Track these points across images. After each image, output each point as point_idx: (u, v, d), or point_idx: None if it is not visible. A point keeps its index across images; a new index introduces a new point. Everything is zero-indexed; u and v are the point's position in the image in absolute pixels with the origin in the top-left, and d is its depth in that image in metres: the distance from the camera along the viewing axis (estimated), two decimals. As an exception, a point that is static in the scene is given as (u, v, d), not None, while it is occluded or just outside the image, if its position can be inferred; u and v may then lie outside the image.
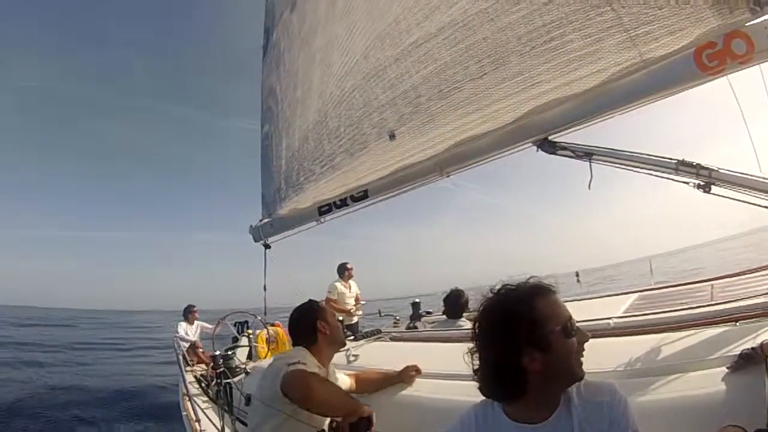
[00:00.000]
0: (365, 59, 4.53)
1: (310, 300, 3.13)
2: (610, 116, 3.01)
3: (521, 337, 1.33)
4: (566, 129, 3.16)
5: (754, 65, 2.51)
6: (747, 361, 1.92)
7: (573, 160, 3.09)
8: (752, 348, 1.94)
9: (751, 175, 2.59)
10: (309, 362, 2.62)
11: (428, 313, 6.62)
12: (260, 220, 6.44)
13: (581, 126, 3.11)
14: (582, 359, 1.37)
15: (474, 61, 3.54)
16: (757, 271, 4.25)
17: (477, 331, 1.46)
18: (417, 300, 6.83)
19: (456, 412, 2.40)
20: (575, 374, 1.37)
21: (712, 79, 2.60)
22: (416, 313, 6.55)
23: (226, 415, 3.54)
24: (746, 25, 2.48)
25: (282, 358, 2.66)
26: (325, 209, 5.36)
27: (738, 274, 4.46)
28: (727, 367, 1.99)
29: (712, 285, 4.26)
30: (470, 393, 2.51)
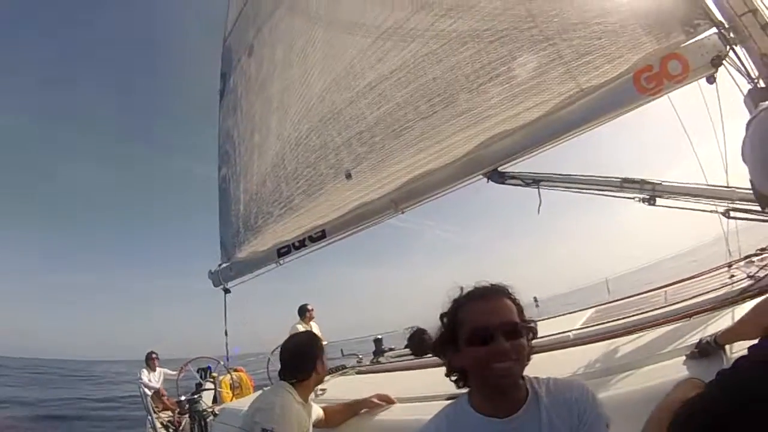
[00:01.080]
0: (321, 102, 4.55)
1: (308, 332, 3.03)
2: (556, 144, 3.07)
3: (447, 335, 1.42)
4: (514, 159, 3.22)
5: (690, 83, 2.61)
6: (703, 351, 1.95)
7: (524, 188, 3.12)
8: (707, 340, 1.95)
9: (693, 184, 2.70)
10: (289, 404, 2.51)
11: (390, 349, 6.46)
12: (219, 265, 6.21)
13: (529, 155, 3.17)
14: (501, 365, 1.31)
15: (425, 100, 3.59)
16: (707, 273, 4.32)
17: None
18: (379, 336, 6.65)
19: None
20: (487, 381, 1.36)
21: (651, 100, 2.70)
22: (379, 349, 6.36)
23: None
24: (681, 46, 2.63)
25: (259, 411, 2.51)
26: (284, 251, 5.21)
27: (689, 279, 4.54)
28: (686, 356, 2.03)
29: (665, 291, 4.33)
30: (434, 411, 2.44)
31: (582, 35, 2.93)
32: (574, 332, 3.37)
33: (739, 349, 1.80)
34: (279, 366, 2.81)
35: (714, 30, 2.57)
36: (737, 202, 2.68)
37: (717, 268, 4.12)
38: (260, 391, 3.03)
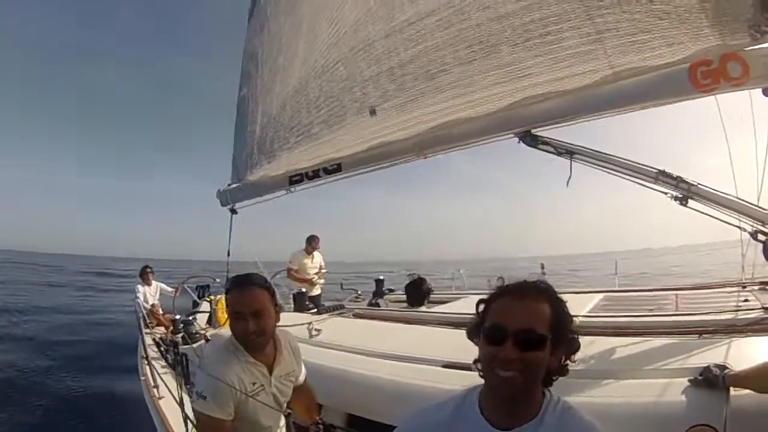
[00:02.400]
0: (354, 32, 4.29)
1: (256, 275, 2.32)
2: (598, 117, 2.92)
3: (478, 323, 1.32)
4: (552, 124, 3.06)
5: (746, 89, 2.47)
6: (708, 382, 1.93)
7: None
8: (716, 372, 1.93)
9: (727, 194, 2.61)
10: (225, 366, 2.07)
11: (390, 290, 6.51)
12: (228, 185, 6.09)
13: (567, 123, 3.01)
14: (504, 373, 1.20)
15: (464, 45, 3.37)
16: (721, 287, 4.29)
17: None
18: (381, 277, 6.68)
19: (412, 395, 2.29)
20: (490, 385, 1.28)
21: (703, 96, 2.55)
22: (379, 290, 6.40)
23: (184, 386, 3.29)
24: (745, 49, 2.44)
25: (204, 365, 2.15)
26: (296, 179, 5.11)
27: (702, 287, 4.51)
28: (690, 380, 2.00)
29: (676, 295, 4.29)
30: (427, 377, 2.39)
31: (644, 10, 2.69)
32: (580, 318, 3.30)
33: (745, 392, 1.79)
34: (278, 290, 2.42)
35: None
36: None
37: (730, 285, 4.11)
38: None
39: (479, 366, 1.29)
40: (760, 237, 2.64)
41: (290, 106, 5.17)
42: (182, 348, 4.51)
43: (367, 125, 4.08)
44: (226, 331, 4.55)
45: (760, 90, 2.44)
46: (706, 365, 2.03)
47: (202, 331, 5.05)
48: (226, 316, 6.19)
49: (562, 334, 1.27)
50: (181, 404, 2.65)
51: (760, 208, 2.64)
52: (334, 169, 4.59)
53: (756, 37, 2.38)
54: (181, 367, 3.52)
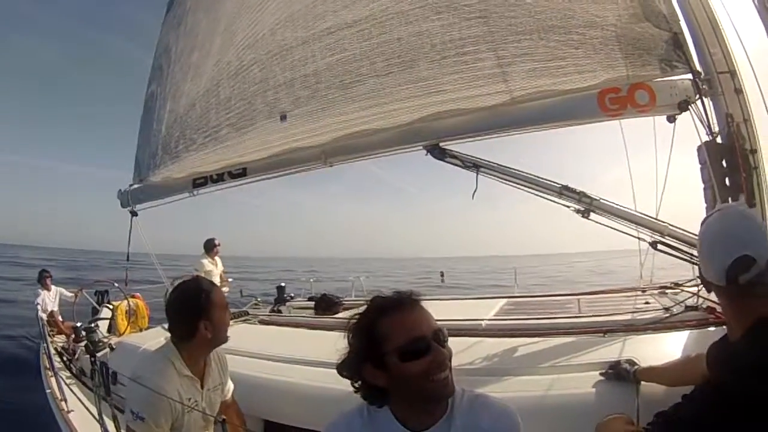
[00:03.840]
0: (272, 35, 4.02)
1: (197, 282, 2.18)
2: (504, 135, 2.99)
3: (364, 353, 1.23)
4: (461, 139, 3.05)
5: (651, 116, 2.68)
6: (618, 375, 1.99)
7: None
8: (625, 366, 1.99)
9: (626, 208, 2.76)
10: (165, 380, 1.90)
11: (291, 297, 6.15)
12: (130, 185, 5.48)
13: (476, 138, 3.03)
14: (442, 375, 1.16)
15: (383, 58, 3.24)
16: (618, 292, 4.45)
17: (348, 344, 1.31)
18: (282, 284, 6.30)
19: (328, 399, 2.21)
20: (432, 395, 1.19)
21: (610, 120, 2.70)
22: (281, 296, 6.03)
23: (104, 402, 2.77)
24: (654, 80, 2.61)
25: (138, 378, 1.91)
26: (200, 182, 4.68)
27: (601, 292, 4.67)
28: (601, 374, 2.06)
29: (578, 299, 4.39)
30: (342, 381, 2.23)
31: (560, 39, 2.78)
32: (486, 322, 3.31)
33: (653, 385, 1.86)
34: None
35: (689, 76, 2.58)
36: (667, 237, 2.72)
37: (630, 289, 4.23)
38: (151, 347, 2.45)
39: (382, 390, 1.22)
40: (660, 247, 2.77)
41: (200, 106, 4.75)
42: (100, 356, 3.98)
43: (276, 130, 3.81)
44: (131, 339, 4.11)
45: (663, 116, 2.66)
46: (614, 360, 2.08)
47: (105, 339, 4.47)
48: (126, 323, 5.57)
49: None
50: (100, 419, 2.43)
51: (657, 220, 2.78)
52: (239, 173, 4.24)
53: (666, 70, 2.57)
54: (101, 377, 3.06)
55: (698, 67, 2.57)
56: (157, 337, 3.31)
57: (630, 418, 1.62)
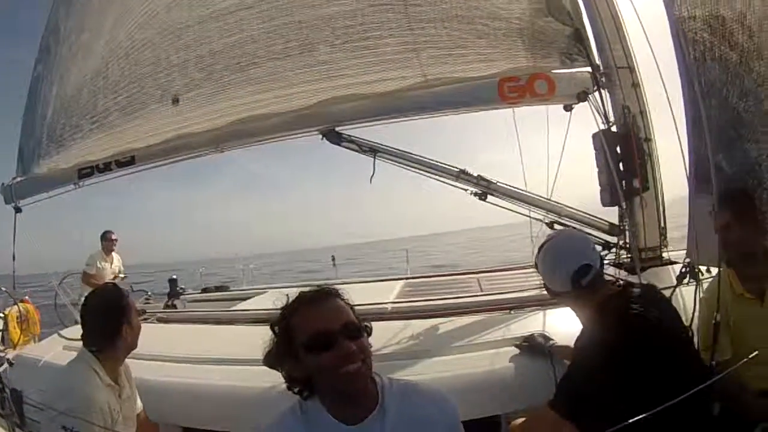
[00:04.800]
0: (167, 13, 3.64)
1: (114, 286, 2.16)
2: (403, 120, 2.90)
3: (282, 346, 1.23)
4: (357, 123, 2.94)
5: (549, 104, 2.77)
6: (533, 348, 2.04)
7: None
8: (538, 339, 2.05)
9: (521, 189, 2.87)
10: (92, 391, 1.79)
11: (183, 289, 5.63)
12: (13, 178, 4.79)
13: (373, 123, 2.93)
14: (351, 368, 1.13)
15: (282, 41, 2.99)
16: (516, 269, 4.47)
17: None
18: (174, 276, 5.71)
19: (247, 399, 2.15)
20: (339, 389, 1.17)
21: (509, 107, 2.79)
22: (174, 290, 5.44)
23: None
24: (553, 71, 2.67)
25: (60, 398, 1.75)
26: (86, 172, 4.15)
27: (499, 270, 4.68)
28: (516, 346, 2.10)
29: (478, 278, 4.33)
30: (258, 379, 2.17)
31: (464, 29, 2.74)
32: (391, 305, 3.23)
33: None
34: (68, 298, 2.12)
35: (588, 69, 2.66)
36: (564, 218, 2.86)
37: (527, 267, 4.21)
38: (64, 365, 2.08)
39: (308, 382, 1.21)
40: (556, 227, 2.87)
41: (88, 89, 4.23)
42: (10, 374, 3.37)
43: (168, 115, 3.44)
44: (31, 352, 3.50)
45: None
46: (527, 334, 2.13)
47: (2, 354, 3.80)
48: (19, 331, 5.05)
49: (361, 320, 1.24)
50: None
51: (553, 201, 2.90)
52: (127, 161, 3.79)
53: (566, 63, 2.64)
54: (12, 405, 2.56)
55: (598, 61, 2.64)
56: (56, 346, 3.06)
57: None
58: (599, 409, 1.32)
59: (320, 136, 2.97)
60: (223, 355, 2.67)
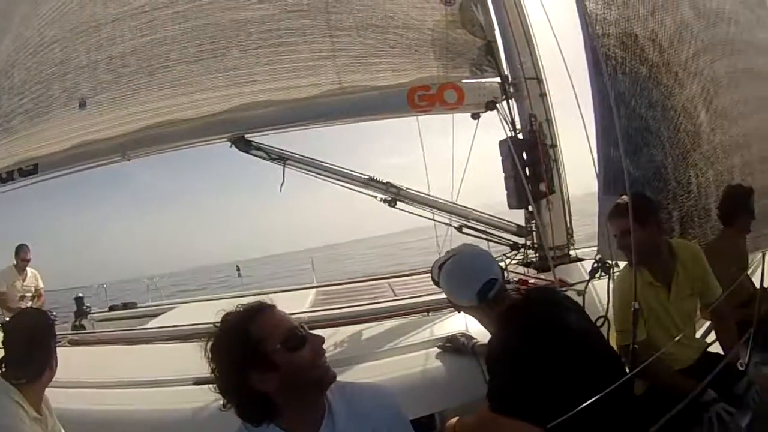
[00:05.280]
0: (80, 8, 3.42)
1: (38, 312, 2.13)
2: (314, 127, 2.96)
3: (245, 363, 1.14)
4: (267, 130, 2.90)
5: (457, 113, 2.87)
6: (457, 348, 2.07)
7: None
8: (461, 339, 2.07)
9: (429, 195, 2.94)
10: (16, 426, 1.63)
11: (89, 308, 5.28)
12: None
13: (283, 130, 2.93)
14: (325, 359, 1.21)
15: (195, 44, 2.88)
16: (425, 273, 4.23)
17: (210, 362, 1.21)
18: (80, 295, 5.35)
19: (177, 422, 2.02)
20: (321, 380, 1.20)
21: (417, 116, 2.87)
22: (81, 309, 5.09)
23: None
24: (463, 81, 2.75)
25: None
26: (-14, 181, 3.83)
27: (409, 274, 4.71)
28: (439, 347, 2.12)
29: (389, 283, 4.37)
30: (185, 399, 2.09)
31: (378, 38, 2.77)
32: (306, 314, 3.19)
33: None
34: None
35: (498, 80, 2.75)
36: (472, 221, 2.93)
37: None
38: None
39: (268, 399, 1.16)
40: (466, 231, 2.95)
41: (-9, 90, 3.94)
42: None
43: (74, 120, 3.24)
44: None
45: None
46: (449, 335, 2.15)
47: None
48: None
49: None
50: None
51: (461, 206, 2.98)
52: (30, 170, 3.52)
53: (476, 73, 2.72)
54: None
55: (507, 72, 2.74)
56: None
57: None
58: (530, 407, 1.36)
59: (229, 144, 2.88)
60: (145, 376, 2.51)
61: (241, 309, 1.22)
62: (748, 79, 3.29)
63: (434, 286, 3.40)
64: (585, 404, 1.21)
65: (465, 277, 1.64)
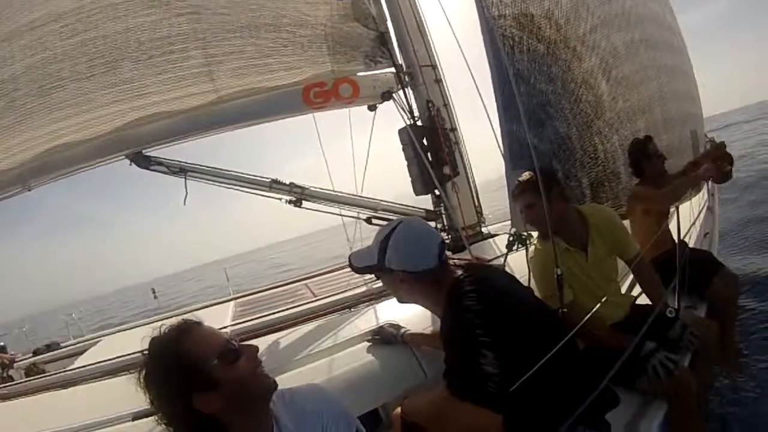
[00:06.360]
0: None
1: None
2: (211, 134, 2.95)
3: (185, 386, 1.08)
4: (164, 144, 2.86)
5: (354, 107, 2.90)
6: (386, 339, 2.05)
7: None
8: (390, 330, 2.06)
9: (331, 191, 2.98)
10: None
11: (13, 357, 5.04)
12: None
13: (178, 142, 2.87)
14: (263, 368, 1.17)
15: (86, 59, 2.76)
16: (340, 270, 4.44)
17: (148, 392, 1.14)
18: (2, 344, 5.10)
19: None
20: (265, 389, 1.16)
21: (314, 112, 2.87)
22: (6, 358, 4.85)
23: None
24: (357, 74, 2.79)
25: None
26: None
27: (325, 273, 4.66)
28: (368, 340, 2.10)
29: (306, 284, 4.32)
30: None
31: (270, 37, 2.74)
32: (230, 328, 3.13)
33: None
34: None
35: (392, 69, 2.80)
36: (380, 212, 3.00)
37: (347, 267, 4.37)
38: None
39: (214, 420, 1.12)
40: (375, 222, 3.02)
41: None
42: None
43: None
44: None
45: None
46: (377, 327, 2.14)
47: None
48: None
49: None
50: None
51: (368, 198, 3.05)
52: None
53: (370, 65, 2.77)
54: None
55: (401, 62, 2.78)
56: None
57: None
58: (485, 381, 1.34)
59: (128, 162, 2.82)
60: (83, 420, 2.44)
61: (168, 330, 1.16)
62: (646, 48, 3.42)
63: (348, 282, 3.44)
64: (539, 364, 1.24)
65: (423, 239, 1.57)
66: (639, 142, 2.74)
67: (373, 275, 2.74)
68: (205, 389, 1.09)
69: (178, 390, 1.10)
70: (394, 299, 2.58)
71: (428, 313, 1.93)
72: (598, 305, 1.76)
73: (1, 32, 3.12)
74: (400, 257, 1.58)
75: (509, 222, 2.72)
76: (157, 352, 1.14)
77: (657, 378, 1.69)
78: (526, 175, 2.13)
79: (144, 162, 2.80)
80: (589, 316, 1.62)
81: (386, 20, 2.77)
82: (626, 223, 2.62)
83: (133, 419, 2.22)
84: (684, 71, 3.73)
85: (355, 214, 3.05)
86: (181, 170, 2.80)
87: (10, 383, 4.28)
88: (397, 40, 2.80)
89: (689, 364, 1.87)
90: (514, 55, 2.71)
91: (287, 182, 2.89)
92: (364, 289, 3.00)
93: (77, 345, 4.80)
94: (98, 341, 4.53)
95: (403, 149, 2.75)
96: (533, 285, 2.04)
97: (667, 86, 3.43)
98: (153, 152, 2.82)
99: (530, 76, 2.78)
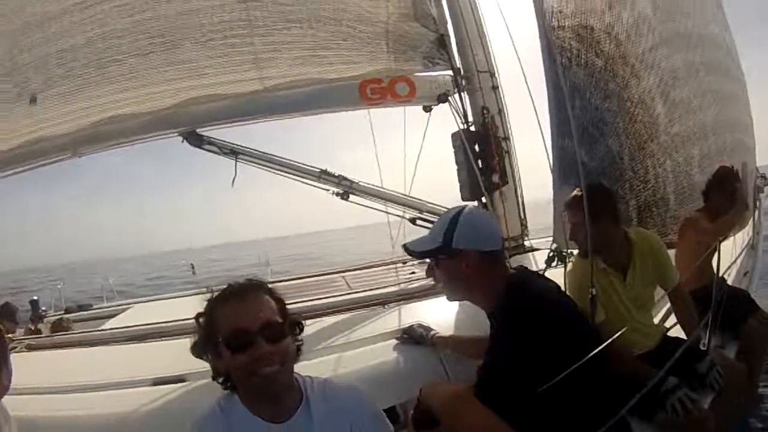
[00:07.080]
0: (31, 3, 3.34)
1: None
2: (265, 120, 2.95)
3: (206, 339, 1.19)
4: (219, 125, 2.91)
5: (409, 106, 2.91)
6: (414, 339, 2.06)
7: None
8: (419, 330, 2.06)
9: (380, 187, 3.01)
10: None
11: (45, 312, 5.13)
12: None
13: (234, 124, 2.92)
14: (267, 370, 1.12)
15: (146, 36, 2.81)
16: (379, 266, 4.53)
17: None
18: (35, 298, 5.19)
19: (136, 424, 1.95)
20: (255, 390, 1.15)
21: (370, 108, 2.91)
22: (36, 313, 4.92)
23: None
24: (415, 74, 2.79)
25: None
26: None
27: (364, 268, 4.73)
28: (396, 338, 2.13)
29: (343, 276, 4.35)
30: (145, 400, 2.03)
31: (330, 30, 2.76)
32: None
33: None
34: None
35: (450, 72, 2.79)
36: (425, 213, 3.00)
37: (390, 263, 4.33)
38: None
39: (225, 377, 1.19)
40: (419, 222, 3.01)
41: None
42: None
43: (24, 116, 3.12)
44: None
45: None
46: (407, 326, 2.14)
47: None
48: None
49: (289, 316, 1.23)
50: None
51: (414, 198, 3.06)
52: (-17, 167, 3.40)
53: (428, 66, 2.77)
54: None
55: (459, 65, 2.77)
56: None
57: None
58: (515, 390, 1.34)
59: (181, 139, 2.86)
60: (105, 379, 2.39)
61: (225, 288, 1.22)
62: (706, 72, 3.34)
63: (386, 280, 3.42)
64: (570, 369, 1.22)
65: (491, 221, 1.62)
66: (728, 171, 2.71)
67: (427, 262, 2.74)
68: (214, 353, 1.17)
69: (204, 339, 1.20)
70: (427, 301, 2.58)
71: (459, 319, 2.05)
72: (626, 328, 1.73)
73: (61, 7, 3.21)
74: (474, 234, 1.53)
75: (551, 238, 2.70)
76: (212, 298, 1.22)
77: (675, 415, 1.65)
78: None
79: (196, 140, 2.84)
80: (618, 335, 1.59)
81: (446, 22, 2.78)
82: (671, 252, 2.55)
83: (153, 384, 2.25)
84: (740, 99, 3.64)
85: (401, 213, 3.05)
86: (232, 152, 2.84)
87: (39, 336, 4.38)
88: (457, 44, 2.80)
89: (710, 404, 1.83)
90: (571, 68, 2.67)
91: (336, 174, 2.90)
92: (398, 288, 3.01)
93: (109, 309, 4.90)
94: (129, 308, 4.61)
95: (455, 153, 2.75)
96: None
97: (723, 113, 3.34)
98: (206, 132, 2.87)
99: (586, 90, 2.73)
